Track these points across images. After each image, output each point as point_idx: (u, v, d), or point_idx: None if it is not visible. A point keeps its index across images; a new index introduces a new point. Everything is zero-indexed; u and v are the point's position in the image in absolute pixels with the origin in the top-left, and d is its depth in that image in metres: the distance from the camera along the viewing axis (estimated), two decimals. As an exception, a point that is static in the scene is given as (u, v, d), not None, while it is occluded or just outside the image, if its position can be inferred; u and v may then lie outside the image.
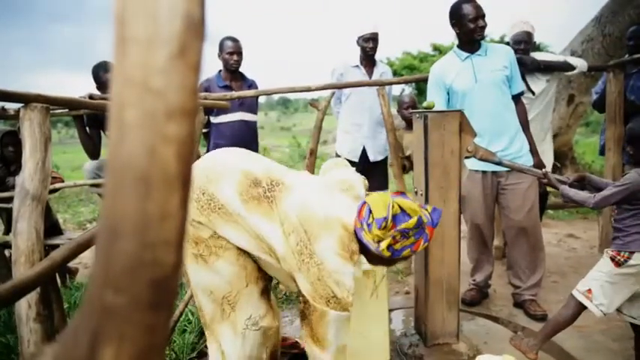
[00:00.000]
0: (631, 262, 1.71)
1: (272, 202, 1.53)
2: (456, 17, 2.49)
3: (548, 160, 3.18)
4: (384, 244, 1.40)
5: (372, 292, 1.79)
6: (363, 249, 1.49)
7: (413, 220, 1.39)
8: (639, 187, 1.70)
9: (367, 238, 1.42)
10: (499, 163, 2.08)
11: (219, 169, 1.55)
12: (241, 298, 1.57)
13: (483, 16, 2.45)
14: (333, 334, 1.49)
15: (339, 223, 1.47)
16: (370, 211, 1.42)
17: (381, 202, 1.42)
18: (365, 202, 1.46)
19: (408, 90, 14.87)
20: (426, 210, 1.48)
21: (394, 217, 1.39)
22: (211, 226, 1.50)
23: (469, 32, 2.47)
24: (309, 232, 1.46)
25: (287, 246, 1.48)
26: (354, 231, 1.47)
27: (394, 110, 3.68)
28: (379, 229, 1.39)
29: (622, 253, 1.73)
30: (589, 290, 1.79)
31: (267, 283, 1.67)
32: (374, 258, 1.53)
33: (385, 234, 1.39)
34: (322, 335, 1.49)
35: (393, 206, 1.39)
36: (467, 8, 2.44)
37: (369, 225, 1.42)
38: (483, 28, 2.46)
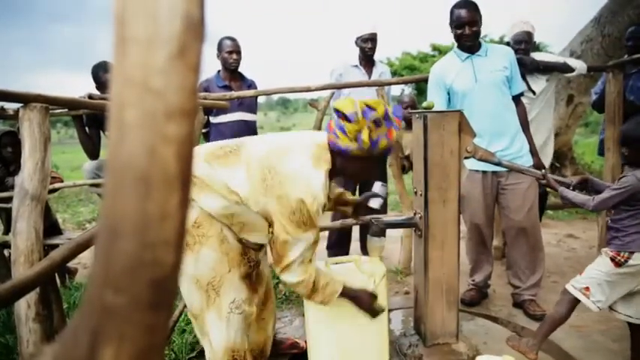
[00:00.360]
0: (631, 262, 1.72)
1: (237, 153, 1.61)
2: (450, 21, 2.53)
3: (547, 161, 3.18)
4: (364, 135, 1.47)
5: (372, 292, 1.79)
6: (340, 163, 1.57)
7: (381, 109, 1.50)
8: (638, 189, 1.70)
9: (344, 143, 1.50)
10: (498, 164, 2.08)
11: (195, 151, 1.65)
12: (225, 282, 1.63)
13: (472, 23, 2.45)
14: (293, 254, 1.55)
15: (312, 142, 1.59)
16: (339, 114, 1.51)
17: (348, 102, 1.51)
18: (332, 118, 1.57)
19: (408, 90, 14.88)
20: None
21: (362, 112, 1.48)
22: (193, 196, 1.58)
23: (457, 37, 2.53)
24: (275, 157, 1.55)
25: (250, 181, 1.54)
26: (328, 145, 1.56)
27: (394, 110, 3.68)
28: (352, 122, 1.47)
29: (622, 254, 1.74)
30: (587, 288, 1.81)
31: (249, 269, 1.72)
32: (353, 165, 1.58)
33: (360, 125, 1.47)
34: (282, 253, 1.55)
35: (359, 104, 1.49)
36: (456, 14, 2.48)
37: (341, 127, 1.50)
38: (470, 35, 2.47)
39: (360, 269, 1.88)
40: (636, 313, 1.82)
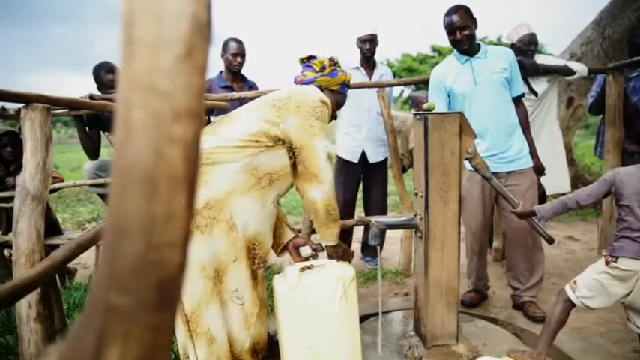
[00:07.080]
0: (616, 264, 1.76)
1: (228, 116, 1.80)
2: (444, 28, 2.56)
3: (565, 185, 3.19)
4: (326, 63, 1.92)
5: (342, 295, 1.73)
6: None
7: (335, 57, 1.96)
8: (613, 185, 1.77)
9: (310, 75, 1.91)
10: (489, 179, 2.10)
11: None
12: (228, 271, 1.65)
13: (464, 27, 2.46)
14: (323, 166, 1.70)
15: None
16: (304, 60, 1.97)
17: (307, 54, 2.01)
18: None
19: (408, 91, 14.90)
20: None
21: (322, 56, 1.97)
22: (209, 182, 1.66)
23: (451, 43, 2.55)
24: (271, 94, 1.81)
25: (261, 116, 1.71)
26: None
27: (394, 111, 3.69)
28: (317, 59, 1.94)
29: (610, 257, 1.79)
30: (574, 282, 1.85)
31: (252, 265, 1.72)
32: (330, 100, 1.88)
33: (322, 60, 1.92)
34: (316, 170, 1.69)
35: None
36: (447, 21, 2.51)
37: (307, 66, 1.94)
38: (462, 40, 2.48)
39: (330, 273, 1.77)
40: None
